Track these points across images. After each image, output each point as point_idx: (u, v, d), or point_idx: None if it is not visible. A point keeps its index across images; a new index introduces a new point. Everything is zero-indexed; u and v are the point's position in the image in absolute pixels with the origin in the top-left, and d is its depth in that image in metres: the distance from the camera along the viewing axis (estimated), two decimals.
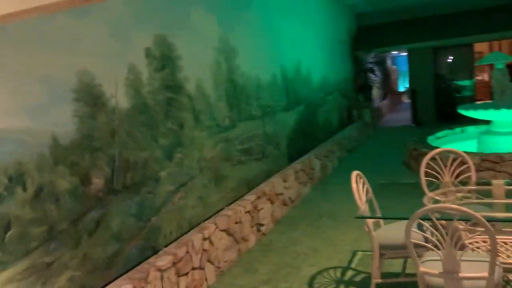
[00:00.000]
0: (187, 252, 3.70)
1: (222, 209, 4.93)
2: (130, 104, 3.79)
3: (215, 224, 4.23)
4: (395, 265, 3.97)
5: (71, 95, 3.20)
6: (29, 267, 2.79)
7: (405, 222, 2.79)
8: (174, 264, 3.51)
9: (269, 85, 6.79)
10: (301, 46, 8.53)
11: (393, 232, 3.53)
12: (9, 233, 2.69)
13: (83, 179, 3.26)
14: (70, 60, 3.22)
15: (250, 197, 5.02)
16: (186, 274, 3.72)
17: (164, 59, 4.29)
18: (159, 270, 3.35)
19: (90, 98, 3.37)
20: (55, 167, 3.04)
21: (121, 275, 3.45)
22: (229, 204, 5.08)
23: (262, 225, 5.13)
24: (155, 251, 3.87)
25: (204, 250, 4.00)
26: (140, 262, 3.63)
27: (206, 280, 4.01)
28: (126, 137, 3.72)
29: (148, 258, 3.73)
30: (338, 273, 4.14)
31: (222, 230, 4.33)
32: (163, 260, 3.44)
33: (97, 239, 3.33)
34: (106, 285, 3.29)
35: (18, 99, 2.81)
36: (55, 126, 3.05)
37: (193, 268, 3.83)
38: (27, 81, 2.89)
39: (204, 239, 4.00)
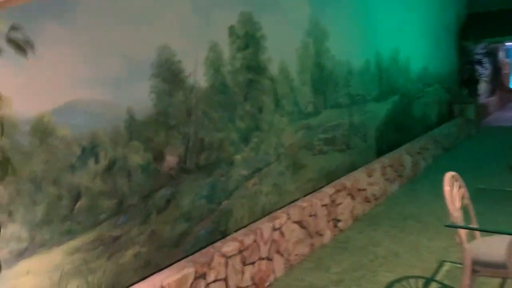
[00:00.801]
0: (255, 240, 3.55)
1: (298, 199, 4.70)
2: (209, 83, 3.68)
3: (288, 214, 4.02)
4: (490, 285, 3.44)
5: (150, 71, 3.16)
6: (96, 239, 2.82)
7: (507, 237, 2.32)
8: (240, 251, 3.38)
9: (361, 72, 6.34)
10: (400, 32, 7.87)
11: (491, 246, 3.02)
12: (78, 203, 2.73)
13: (156, 156, 3.23)
14: (151, 36, 3.18)
15: (329, 189, 4.72)
16: (253, 263, 3.57)
17: (248, 39, 4.12)
18: (224, 256, 3.24)
19: (169, 74, 3.32)
20: (129, 141, 3.03)
21: (187, 256, 3.40)
22: (306, 195, 4.84)
23: (339, 220, 4.81)
24: (224, 235, 3.77)
25: (274, 240, 3.82)
26: (208, 245, 3.56)
27: (273, 271, 3.84)
28: (203, 116, 3.64)
29: (216, 241, 3.65)
30: (420, 284, 3.70)
31: (295, 222, 4.10)
32: (229, 246, 3.32)
33: (166, 217, 3.30)
34: (171, 264, 3.26)
35: (98, 71, 2.82)
36: (132, 101, 3.03)
37: (261, 258, 3.66)
38: (108, 54, 2.88)
39: (275, 229, 3.82)
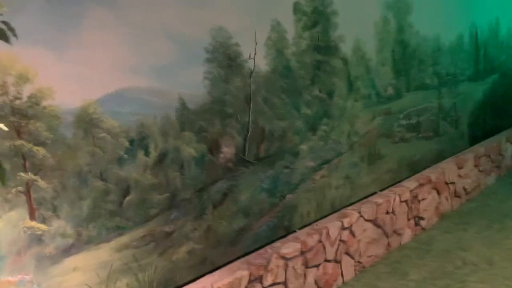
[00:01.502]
0: (320, 241, 3.21)
1: (375, 193, 4.24)
2: (271, 67, 3.36)
3: (359, 212, 3.60)
4: None
5: (203, 55, 2.92)
6: (147, 234, 2.68)
7: None
8: (302, 253, 3.07)
9: (452, 48, 5.58)
10: None
11: None
12: (127, 198, 2.60)
13: (211, 147, 3.01)
14: (204, 16, 2.92)
15: (409, 184, 4.19)
16: (317, 266, 3.24)
17: (316, 15, 3.70)
18: (283, 258, 2.95)
19: (225, 59, 3.05)
20: (181, 132, 2.84)
21: (248, 254, 3.17)
22: (384, 189, 4.36)
23: (422, 218, 4.27)
24: (289, 232, 3.48)
25: (342, 241, 3.44)
26: (270, 242, 3.30)
27: (341, 275, 3.47)
28: (263, 104, 3.34)
29: (280, 238, 3.37)
30: None
31: (367, 220, 3.68)
32: (289, 247, 3.03)
33: (223, 212, 3.09)
34: (229, 263, 3.05)
35: (144, 56, 2.63)
36: (184, 88, 2.82)
37: (326, 260, 3.32)
38: (155, 38, 2.68)
39: (343, 228, 3.43)
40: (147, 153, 2.67)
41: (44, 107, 2.21)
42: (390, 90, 4.60)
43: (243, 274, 2.69)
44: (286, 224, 3.52)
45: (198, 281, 2.68)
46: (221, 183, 3.09)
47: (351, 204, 3.99)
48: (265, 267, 2.83)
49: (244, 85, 3.19)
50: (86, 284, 2.41)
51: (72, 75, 2.32)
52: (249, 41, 3.18)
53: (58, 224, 2.30)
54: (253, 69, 3.22)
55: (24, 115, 2.15)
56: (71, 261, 2.35)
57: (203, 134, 2.96)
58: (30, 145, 2.18)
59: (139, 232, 2.65)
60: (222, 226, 3.09)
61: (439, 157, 5.26)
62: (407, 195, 4.07)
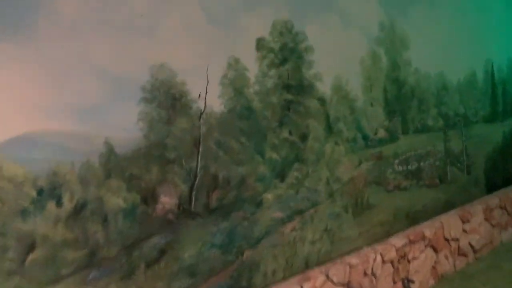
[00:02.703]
0: None
1: (361, 247, 3.73)
2: (227, 107, 3.04)
3: (327, 275, 3.11)
4: None
5: (138, 94, 2.64)
6: None
7: None
8: None
9: (462, 86, 5.07)
10: None
11: None
12: (31, 255, 2.29)
13: (146, 197, 2.68)
14: (142, 51, 2.66)
15: (396, 240, 3.66)
16: None
17: (286, 52, 3.38)
18: None
19: (167, 98, 2.76)
20: (106, 180, 2.53)
21: None
22: (374, 243, 3.84)
23: (412, 281, 3.70)
24: None
25: None
26: None
27: None
28: (216, 148, 2.99)
29: None
30: None
31: (337, 285, 3.17)
32: None
33: (158, 272, 2.71)
34: None
35: (63, 96, 2.38)
36: (112, 131, 2.53)
37: None
38: (78, 75, 2.43)
39: None
40: (59, 204, 2.37)
41: None
42: (382, 133, 4.14)
43: None
44: (244, 285, 3.08)
45: None
46: (158, 238, 2.73)
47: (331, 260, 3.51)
48: None
49: (191, 127, 2.87)
50: None
51: None
52: (199, 79, 2.89)
53: None
54: (204, 110, 2.91)
55: None
56: None
57: (135, 182, 2.64)
58: None
59: None
60: (159, 287, 2.70)
61: (448, 208, 4.68)
62: (392, 254, 3.54)
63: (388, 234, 4.01)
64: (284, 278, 3.25)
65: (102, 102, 2.50)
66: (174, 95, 2.79)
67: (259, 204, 3.21)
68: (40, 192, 2.30)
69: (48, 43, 2.32)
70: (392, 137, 4.23)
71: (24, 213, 2.26)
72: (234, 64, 3.07)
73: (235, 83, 3.07)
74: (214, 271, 2.96)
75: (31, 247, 2.28)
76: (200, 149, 2.90)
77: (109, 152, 2.53)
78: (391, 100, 4.21)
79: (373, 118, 4.05)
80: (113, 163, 2.54)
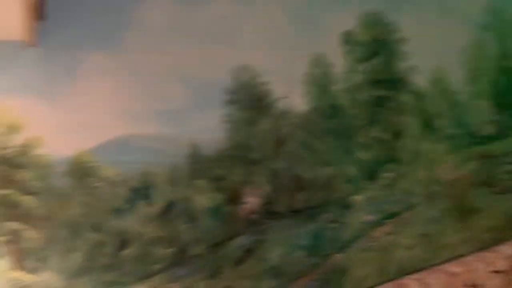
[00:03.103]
0: None
1: (464, 255, 3.39)
2: (311, 106, 2.95)
3: (424, 283, 2.87)
4: None
5: (221, 97, 2.69)
6: None
7: None
8: None
9: None
10: None
11: None
12: (126, 251, 2.45)
13: (230, 197, 2.72)
14: (224, 56, 2.70)
15: (508, 248, 3.25)
16: None
17: (376, 45, 3.18)
18: None
19: (249, 99, 2.77)
20: (192, 180, 2.61)
21: None
22: (480, 250, 3.46)
23: None
24: None
25: None
26: None
27: None
28: (300, 148, 2.93)
29: None
30: None
31: None
32: None
33: (245, 271, 2.74)
34: None
35: (151, 102, 2.52)
36: (197, 134, 2.61)
37: None
38: (164, 82, 2.56)
39: None
40: (150, 204, 2.51)
41: (34, 157, 2.22)
42: (490, 129, 3.70)
43: None
44: None
45: None
46: (243, 238, 2.76)
47: (429, 266, 3.24)
48: None
49: (275, 127, 2.84)
50: None
51: (67, 124, 2.31)
52: (281, 78, 2.85)
53: (46, 276, 2.24)
54: (287, 109, 2.86)
55: (13, 164, 2.17)
56: None
57: (220, 183, 2.69)
58: (19, 194, 2.18)
59: None
60: (245, 287, 2.73)
61: None
62: (501, 264, 3.14)
63: (497, 242, 3.58)
64: (376, 285, 3.08)
65: (188, 106, 2.59)
66: (256, 96, 2.79)
67: (347, 206, 3.07)
68: (132, 192, 2.46)
69: (137, 54, 2.47)
70: (502, 133, 3.76)
71: (118, 212, 2.43)
72: (319, 61, 2.97)
73: (319, 80, 2.98)
74: (300, 274, 2.90)
75: (124, 244, 2.45)
76: (284, 149, 2.86)
77: (195, 154, 2.61)
78: (501, 93, 3.75)
79: (479, 113, 3.64)
80: (199, 164, 2.62)
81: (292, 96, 2.87)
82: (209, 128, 2.64)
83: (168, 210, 2.55)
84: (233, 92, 2.71)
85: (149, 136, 2.50)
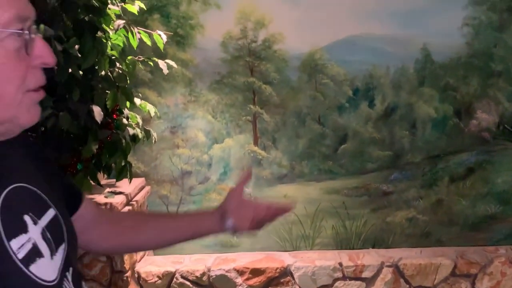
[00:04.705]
0: None
1: None
2: None
3: None
4: None
5: None
6: (360, 187, 2.64)
7: None
8: None
9: None
10: None
11: None
12: (343, 146, 2.62)
13: (459, 110, 2.52)
14: None
15: None
16: None
17: None
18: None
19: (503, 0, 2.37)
20: (419, 87, 2.51)
21: (494, 244, 2.57)
22: None
23: None
24: None
25: None
26: None
27: None
28: None
29: None
30: None
31: None
32: None
33: (463, 190, 2.60)
34: (460, 246, 2.56)
35: (388, 1, 2.42)
36: (432, 37, 2.44)
37: None
38: None
39: None
40: (371, 105, 2.56)
41: (275, 51, 2.50)
42: None
43: (444, 263, 2.25)
44: None
45: (391, 250, 2.46)
46: (468, 155, 2.57)
47: None
48: (482, 267, 2.25)
49: None
50: (293, 213, 2.70)
51: (304, 22, 2.47)
52: None
53: (275, 154, 2.64)
54: None
55: (257, 56, 2.52)
56: (283, 189, 2.68)
57: (450, 93, 2.50)
58: (260, 82, 2.55)
59: (352, 182, 2.65)
60: (460, 205, 2.61)
61: None
62: None
63: None
64: None
65: (426, 6, 2.40)
66: None
67: None
68: (355, 91, 2.55)
69: None
70: None
71: (341, 109, 2.57)
72: None
73: None
74: None
75: (343, 139, 2.62)
76: None
77: (426, 59, 2.46)
78: None
79: None
80: (428, 70, 2.48)
81: None
82: (447, 32, 2.41)
83: (388, 114, 2.56)
84: None
85: (380, 36, 2.46)
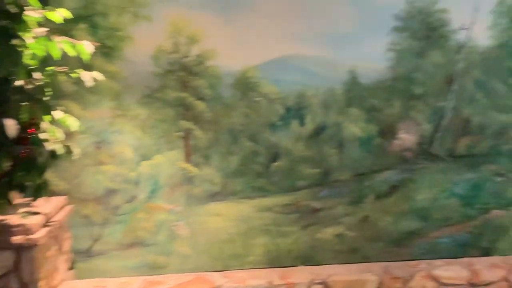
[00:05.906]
0: (506, 279, 2.36)
1: None
2: (497, 41, 2.57)
3: None
4: None
5: (391, 23, 2.52)
6: (291, 204, 2.67)
7: None
8: (470, 284, 2.35)
9: None
10: None
11: None
12: (275, 163, 2.64)
13: (383, 130, 2.64)
14: None
15: None
16: None
17: None
18: (435, 281, 2.34)
19: (422, 28, 2.54)
20: (346, 108, 2.60)
21: (417, 259, 2.68)
22: None
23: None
24: (487, 255, 2.72)
25: None
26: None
27: None
28: (474, 88, 2.62)
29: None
30: None
31: None
32: (451, 270, 2.37)
33: (387, 206, 2.71)
34: (390, 261, 2.65)
35: (318, 24, 2.51)
36: (358, 60, 2.55)
37: None
38: (335, 4, 2.50)
39: None
40: (302, 124, 2.61)
41: (208, 67, 2.48)
42: None
43: (370, 279, 2.32)
44: (485, 245, 2.75)
45: (321, 267, 2.50)
46: (391, 173, 2.69)
47: None
48: (404, 281, 2.35)
49: (446, 61, 2.58)
50: (226, 231, 2.65)
51: (237, 40, 2.48)
52: (465, 7, 2.51)
53: (207, 171, 2.60)
54: (465, 43, 2.55)
55: (190, 72, 2.48)
56: (215, 207, 2.63)
57: (375, 114, 2.62)
58: (192, 98, 2.51)
59: (283, 199, 2.67)
60: (384, 221, 2.71)
61: None
62: None
63: None
64: None
65: (352, 31, 2.51)
66: (431, 25, 2.53)
67: None
68: (287, 110, 2.59)
69: None
70: None
71: (272, 127, 2.60)
72: None
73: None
74: (449, 222, 2.73)
75: (275, 157, 2.64)
76: (453, 87, 2.60)
77: (352, 81, 2.57)
78: None
79: None
80: (355, 92, 2.58)
81: (476, 28, 2.53)
82: (372, 56, 2.54)
83: (318, 133, 2.62)
84: (405, 18, 2.51)
85: (310, 58, 2.53)
